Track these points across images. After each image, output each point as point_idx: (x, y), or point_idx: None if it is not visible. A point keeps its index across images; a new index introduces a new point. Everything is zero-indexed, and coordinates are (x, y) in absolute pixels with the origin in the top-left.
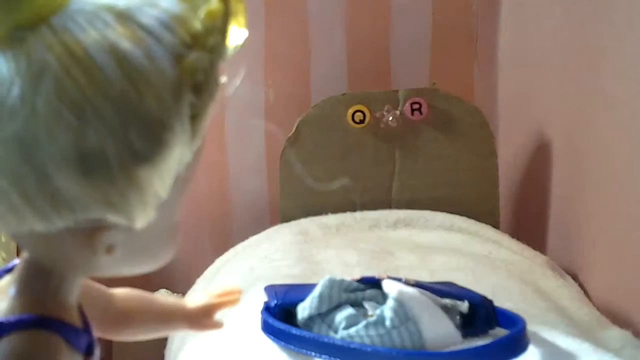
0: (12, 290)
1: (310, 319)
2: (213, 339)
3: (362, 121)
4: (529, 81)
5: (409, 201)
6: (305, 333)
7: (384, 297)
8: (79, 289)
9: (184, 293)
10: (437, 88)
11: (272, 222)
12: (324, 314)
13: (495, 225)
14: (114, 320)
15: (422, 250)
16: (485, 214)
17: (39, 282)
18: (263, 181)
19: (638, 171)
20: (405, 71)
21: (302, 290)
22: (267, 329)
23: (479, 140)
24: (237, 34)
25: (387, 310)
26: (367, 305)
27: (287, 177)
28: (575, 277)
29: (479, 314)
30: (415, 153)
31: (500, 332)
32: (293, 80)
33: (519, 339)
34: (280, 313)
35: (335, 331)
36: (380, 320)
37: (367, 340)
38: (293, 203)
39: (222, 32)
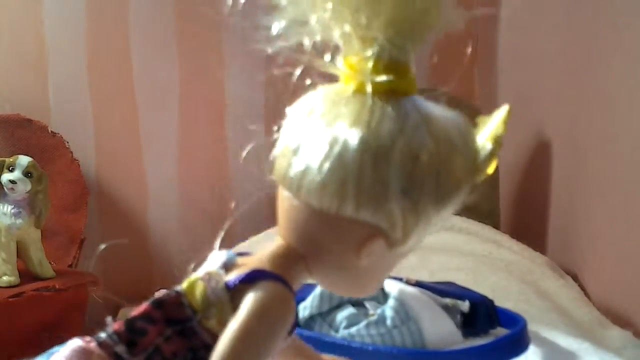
0: (264, 256)
1: (311, 318)
2: None
3: None
4: (529, 82)
5: None
6: (306, 332)
7: (384, 297)
8: (301, 285)
9: None
10: (436, 89)
11: (272, 223)
12: (324, 313)
13: (496, 225)
14: None
15: (421, 250)
16: (486, 214)
17: (289, 260)
18: None
19: (638, 171)
20: None
21: (303, 289)
22: None
23: None
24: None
25: (388, 309)
26: (367, 304)
27: None
28: (575, 277)
29: (479, 314)
30: None
31: (501, 331)
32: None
33: (519, 338)
34: None
35: (336, 330)
36: (381, 319)
37: (368, 340)
38: None
39: (494, 156)
